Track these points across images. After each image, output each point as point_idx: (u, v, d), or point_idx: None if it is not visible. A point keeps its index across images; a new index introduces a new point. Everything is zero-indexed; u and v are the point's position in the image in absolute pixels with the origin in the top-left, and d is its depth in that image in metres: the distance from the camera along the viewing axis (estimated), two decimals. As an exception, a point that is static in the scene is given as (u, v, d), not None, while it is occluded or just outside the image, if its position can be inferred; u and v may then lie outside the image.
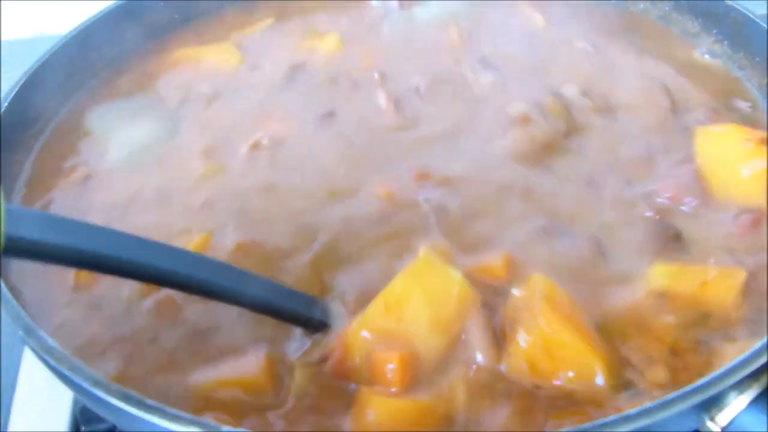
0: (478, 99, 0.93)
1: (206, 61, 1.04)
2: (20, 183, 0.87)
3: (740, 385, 0.58)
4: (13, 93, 0.87)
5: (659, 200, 0.78)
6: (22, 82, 0.89)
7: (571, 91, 0.92)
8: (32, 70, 0.92)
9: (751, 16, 0.94)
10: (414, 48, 1.05)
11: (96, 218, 0.80)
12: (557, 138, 0.86)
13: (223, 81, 1.00)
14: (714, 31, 1.00)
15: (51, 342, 0.62)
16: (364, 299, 0.67)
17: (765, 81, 0.94)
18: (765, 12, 0.99)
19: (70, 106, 0.98)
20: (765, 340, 0.59)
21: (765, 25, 0.92)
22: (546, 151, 0.85)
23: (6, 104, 0.86)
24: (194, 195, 0.83)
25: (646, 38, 1.04)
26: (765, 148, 0.79)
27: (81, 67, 1.00)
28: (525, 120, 0.87)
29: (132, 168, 0.88)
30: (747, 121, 0.88)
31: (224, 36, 1.10)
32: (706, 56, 1.00)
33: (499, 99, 0.92)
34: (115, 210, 0.82)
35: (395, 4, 1.16)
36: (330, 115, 0.92)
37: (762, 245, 0.74)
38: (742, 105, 0.92)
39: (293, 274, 0.73)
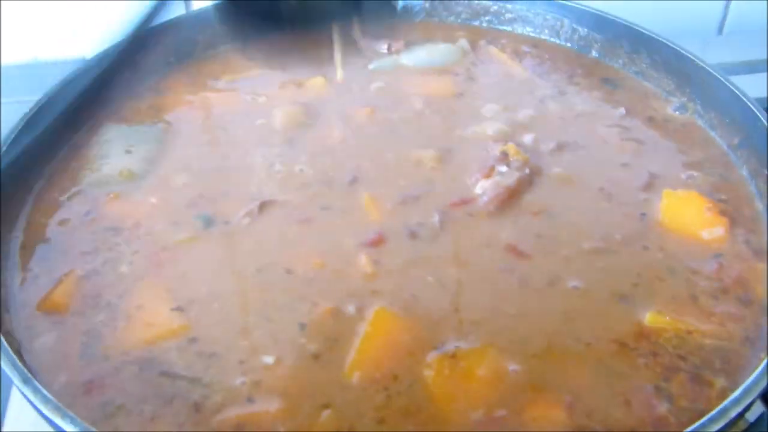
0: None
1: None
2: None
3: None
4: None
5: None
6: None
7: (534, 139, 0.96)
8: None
9: (718, 76, 0.95)
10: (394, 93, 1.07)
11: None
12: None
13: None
14: (687, 90, 1.01)
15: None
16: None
17: (735, 141, 0.95)
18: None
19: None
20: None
21: (732, 87, 0.93)
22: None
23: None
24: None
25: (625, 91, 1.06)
26: (724, 218, 0.85)
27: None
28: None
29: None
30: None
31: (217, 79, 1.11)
32: (677, 113, 1.01)
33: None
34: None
35: (384, 49, 1.19)
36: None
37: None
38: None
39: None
